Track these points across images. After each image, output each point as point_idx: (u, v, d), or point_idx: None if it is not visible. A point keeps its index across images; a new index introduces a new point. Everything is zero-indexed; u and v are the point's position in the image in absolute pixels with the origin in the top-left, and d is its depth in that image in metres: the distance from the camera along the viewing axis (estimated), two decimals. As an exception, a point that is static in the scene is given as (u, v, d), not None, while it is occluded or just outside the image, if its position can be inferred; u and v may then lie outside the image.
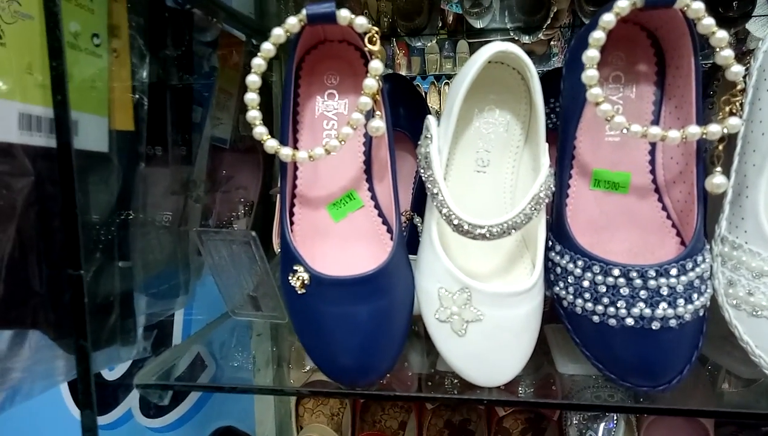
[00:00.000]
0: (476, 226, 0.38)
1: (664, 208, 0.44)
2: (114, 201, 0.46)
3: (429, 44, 1.33)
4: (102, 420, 1.02)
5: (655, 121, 0.44)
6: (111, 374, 0.99)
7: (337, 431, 0.86)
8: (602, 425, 0.78)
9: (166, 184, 0.55)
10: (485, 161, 0.46)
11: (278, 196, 0.45)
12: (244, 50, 0.69)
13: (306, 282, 0.43)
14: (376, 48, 0.39)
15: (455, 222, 0.39)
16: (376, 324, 0.43)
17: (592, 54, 0.37)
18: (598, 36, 0.37)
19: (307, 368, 0.84)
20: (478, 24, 1.03)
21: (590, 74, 0.37)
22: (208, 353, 0.99)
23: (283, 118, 0.44)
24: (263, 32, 0.72)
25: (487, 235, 0.38)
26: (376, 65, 0.39)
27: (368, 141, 0.47)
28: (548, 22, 0.93)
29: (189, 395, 0.99)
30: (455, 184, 0.47)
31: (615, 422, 0.78)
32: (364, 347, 0.43)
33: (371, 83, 0.39)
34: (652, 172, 0.45)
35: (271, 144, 0.41)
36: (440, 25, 1.07)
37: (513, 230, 0.39)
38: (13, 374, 0.39)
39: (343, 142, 0.40)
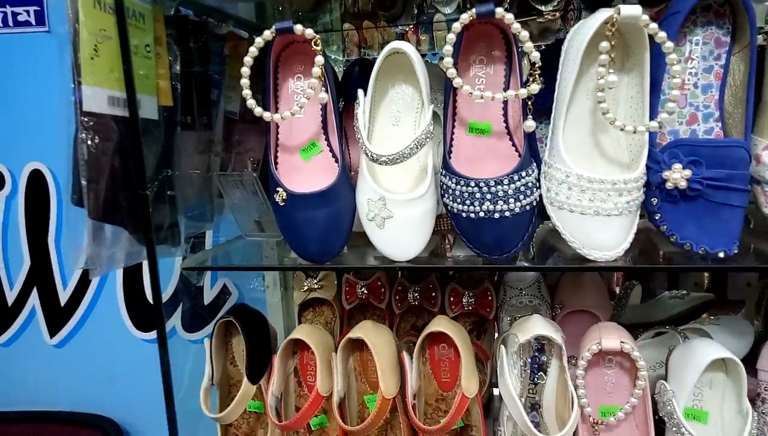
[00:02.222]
0: (380, 155, 0.63)
1: (513, 144, 0.69)
2: (162, 151, 0.73)
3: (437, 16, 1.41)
4: (149, 335, 1.32)
5: (506, 88, 0.68)
6: None
7: (331, 334, 1.12)
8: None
9: (194, 142, 0.81)
10: (397, 119, 0.71)
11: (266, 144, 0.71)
12: (247, 45, 0.94)
13: (284, 198, 0.69)
14: (318, 48, 0.64)
15: (369, 154, 0.64)
16: (329, 222, 0.69)
17: (447, 49, 0.61)
18: (450, 37, 0.60)
19: (305, 288, 1.12)
20: (446, 10, 1.23)
21: (450, 74, 0.61)
22: (231, 283, 1.28)
23: (265, 93, 0.70)
24: (262, 30, 0.97)
25: (388, 160, 0.63)
26: (319, 59, 0.64)
27: (323, 108, 0.72)
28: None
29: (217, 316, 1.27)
30: (379, 134, 0.72)
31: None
32: (323, 237, 0.69)
33: (316, 70, 0.64)
34: (505, 121, 0.69)
35: (258, 110, 0.66)
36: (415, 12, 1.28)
37: (404, 158, 0.63)
38: (113, 251, 0.66)
39: (302, 108, 0.65)
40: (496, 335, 1.03)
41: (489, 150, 0.70)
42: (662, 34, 0.57)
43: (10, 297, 1.25)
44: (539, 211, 0.67)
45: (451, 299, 1.02)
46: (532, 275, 1.00)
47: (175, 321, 1.21)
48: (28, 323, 1.26)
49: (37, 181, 1.19)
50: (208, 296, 1.23)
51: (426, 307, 1.02)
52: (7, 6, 1.12)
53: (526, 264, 0.73)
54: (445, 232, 0.80)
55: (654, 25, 0.57)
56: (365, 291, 1.04)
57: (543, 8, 1.11)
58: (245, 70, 0.65)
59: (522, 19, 1.19)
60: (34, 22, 1.13)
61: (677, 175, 0.61)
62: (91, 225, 0.66)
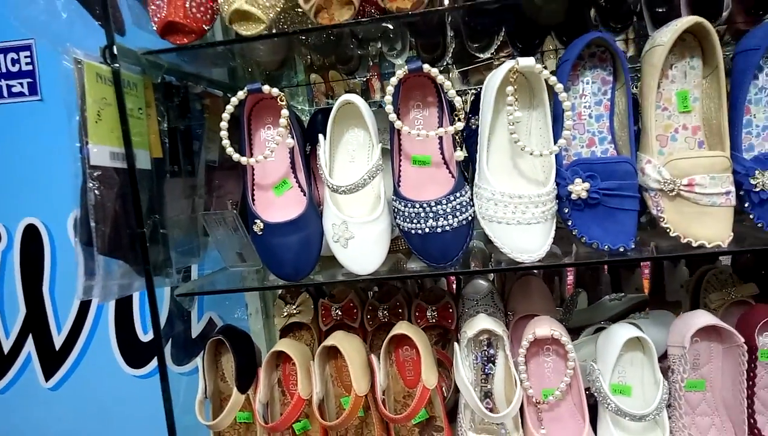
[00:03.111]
0: (340, 186, 0.77)
1: (450, 171, 0.83)
2: (154, 195, 0.85)
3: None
4: (141, 371, 1.41)
5: (439, 125, 0.84)
6: (146, 337, 1.39)
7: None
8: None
9: (181, 187, 0.94)
10: (353, 157, 0.86)
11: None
12: (222, 102, 1.09)
13: (261, 228, 0.82)
14: (283, 103, 0.78)
15: (330, 186, 0.78)
16: (301, 246, 0.82)
17: (387, 98, 0.76)
18: (389, 89, 0.75)
19: (285, 314, 1.23)
20: (398, 61, 1.39)
21: (391, 118, 0.76)
22: (217, 316, 1.39)
23: (241, 142, 0.83)
24: (234, 89, 1.12)
25: (346, 190, 0.77)
26: (284, 112, 0.78)
27: (291, 151, 0.86)
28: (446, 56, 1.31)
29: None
30: (339, 170, 0.86)
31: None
32: (296, 259, 0.82)
33: (282, 121, 0.78)
34: (441, 153, 0.84)
35: (236, 156, 0.80)
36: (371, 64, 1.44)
37: (359, 188, 0.77)
38: (114, 283, 0.78)
39: (272, 152, 0.79)
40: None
41: (430, 177, 0.84)
42: (553, 79, 0.73)
43: (7, 345, 1.33)
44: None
45: (417, 314, 1.14)
46: (486, 287, 1.13)
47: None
48: (24, 369, 1.34)
49: (31, 234, 1.30)
50: (196, 330, 1.33)
51: (394, 322, 1.14)
52: (2, 79, 1.25)
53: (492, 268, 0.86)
54: (401, 251, 0.94)
55: (546, 72, 0.73)
56: (339, 312, 1.15)
57: (481, 55, 1.28)
58: (224, 124, 0.79)
59: (464, 68, 1.37)
60: (27, 93, 1.26)
61: (579, 188, 0.76)
62: (85, 262, 0.77)
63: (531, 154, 0.75)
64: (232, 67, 1.13)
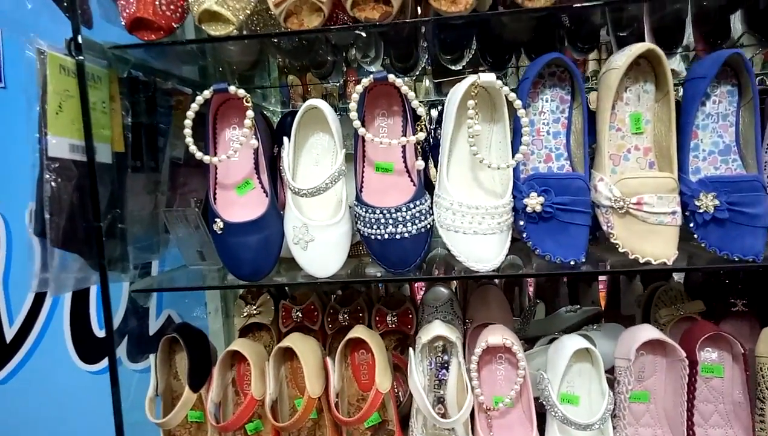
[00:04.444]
0: (302, 189, 0.78)
1: (411, 180, 0.85)
2: (114, 190, 0.85)
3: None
4: (96, 367, 1.39)
5: (403, 134, 0.85)
6: (101, 332, 1.37)
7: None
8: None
9: (143, 182, 0.93)
10: (317, 161, 0.87)
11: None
12: (190, 100, 1.09)
13: (222, 227, 0.82)
14: (249, 104, 0.79)
15: (292, 189, 0.79)
16: (260, 246, 0.82)
17: (352, 105, 0.77)
18: (354, 96, 0.77)
19: (245, 314, 1.22)
20: (372, 68, 1.40)
21: (355, 125, 0.78)
22: (176, 313, 1.37)
23: (206, 140, 0.84)
24: (204, 88, 1.12)
25: (308, 193, 0.78)
26: (250, 113, 0.78)
27: (255, 152, 0.87)
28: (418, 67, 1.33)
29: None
30: (303, 173, 0.87)
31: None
32: (255, 259, 0.82)
33: (248, 122, 0.79)
34: (404, 161, 0.85)
35: (198, 154, 0.80)
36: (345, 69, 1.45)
37: (321, 191, 0.78)
38: (69, 276, 0.77)
39: (236, 152, 0.79)
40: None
41: (392, 185, 0.86)
42: (512, 96, 0.75)
43: (-43, 336, 1.29)
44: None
45: (377, 319, 1.15)
46: (446, 294, 1.15)
47: (121, 352, 1.28)
48: (-27, 361, 1.30)
49: (-14, 224, 1.27)
50: (154, 327, 1.32)
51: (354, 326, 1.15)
52: (-36, 65, 1.23)
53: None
54: (362, 255, 0.95)
55: (506, 89, 0.76)
56: (300, 315, 1.16)
57: (453, 67, 1.30)
58: (188, 122, 0.79)
59: (439, 80, 1.39)
60: (-10, 79, 1.23)
61: (533, 202, 0.78)
62: (41, 254, 0.77)
63: (489, 167, 0.77)
64: (203, 66, 1.13)
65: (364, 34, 0.99)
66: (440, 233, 0.82)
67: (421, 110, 0.77)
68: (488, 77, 0.75)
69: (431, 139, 1.04)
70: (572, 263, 0.79)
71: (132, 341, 1.29)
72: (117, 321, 1.07)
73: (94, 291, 1.30)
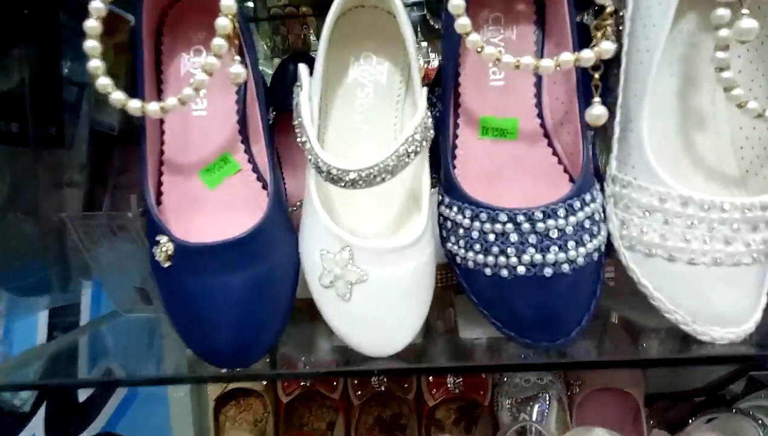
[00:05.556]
0: (345, 170, 0.35)
1: (555, 152, 0.42)
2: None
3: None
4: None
5: (539, 56, 0.42)
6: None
7: (262, 440, 0.80)
8: (536, 407, 0.76)
9: (27, 164, 0.49)
10: (366, 112, 0.43)
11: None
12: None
13: (170, 253, 0.38)
14: (226, -11, 0.36)
15: (324, 169, 0.35)
16: (252, 295, 0.39)
17: (456, 2, 0.34)
18: None
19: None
20: None
21: (462, 23, 0.35)
22: (120, 368, 0.91)
23: (137, 75, 0.40)
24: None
25: (359, 180, 0.35)
26: (226, 2, 0.35)
27: (242, 98, 0.44)
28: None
29: (99, 415, 0.91)
30: (336, 137, 0.43)
31: (548, 403, 0.76)
32: (240, 321, 0.39)
33: (223, 22, 0.35)
34: (540, 115, 0.43)
35: (116, 96, 0.36)
36: None
37: (387, 175, 0.35)
38: None
39: (197, 91, 0.36)
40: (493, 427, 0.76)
41: (514, 162, 0.43)
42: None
43: None
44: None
45: (431, 380, 0.75)
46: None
47: (36, 428, 0.85)
48: None
49: None
50: (85, 389, 0.88)
51: (396, 393, 0.74)
52: None
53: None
54: (448, 288, 0.52)
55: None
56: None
57: None
58: (92, 25, 0.35)
59: None
60: None
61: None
62: None
63: (759, 116, 0.35)
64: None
65: None
66: (626, 261, 0.40)
67: (607, -4, 0.35)
68: None
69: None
70: None
71: (53, 410, 0.85)
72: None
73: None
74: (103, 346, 0.83)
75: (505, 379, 0.78)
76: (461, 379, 0.75)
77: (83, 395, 0.87)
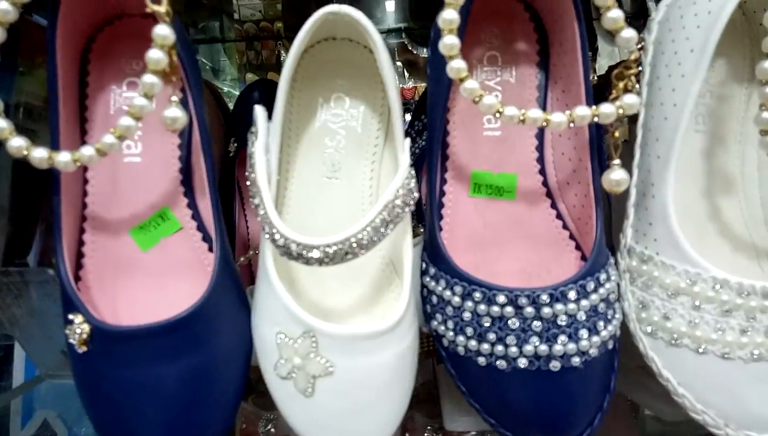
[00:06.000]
0: (308, 246, 0.27)
1: (559, 215, 0.36)
2: None
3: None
4: None
5: (542, 105, 0.36)
6: None
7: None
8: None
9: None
10: (337, 165, 0.36)
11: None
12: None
13: (87, 337, 0.31)
14: (162, 9, 0.28)
15: (280, 242, 0.28)
16: (190, 389, 0.31)
17: (447, 18, 0.27)
18: (449, 16, 0.27)
19: None
20: None
21: (456, 66, 0.28)
22: (58, 420, 0.82)
23: (51, 114, 0.32)
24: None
25: (324, 257, 0.28)
26: (161, 31, 0.28)
27: (186, 144, 0.36)
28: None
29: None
30: (299, 196, 0.36)
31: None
32: (174, 424, 0.31)
33: (155, 56, 0.28)
34: (542, 172, 0.36)
35: (16, 143, 0.28)
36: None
37: (360, 250, 0.28)
38: None
39: (121, 140, 0.28)
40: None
41: (512, 226, 0.36)
42: None
43: None
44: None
45: (408, 427, 0.68)
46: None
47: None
48: None
49: None
50: (19, 440, 0.78)
51: None
52: None
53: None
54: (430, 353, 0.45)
55: None
56: (274, 430, 0.66)
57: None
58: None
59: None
60: None
61: None
62: None
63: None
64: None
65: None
66: (646, 350, 0.33)
67: (629, 32, 0.28)
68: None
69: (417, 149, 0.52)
70: None
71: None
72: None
73: None
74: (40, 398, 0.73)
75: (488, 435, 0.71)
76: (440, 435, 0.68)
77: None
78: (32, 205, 0.54)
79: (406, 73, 0.90)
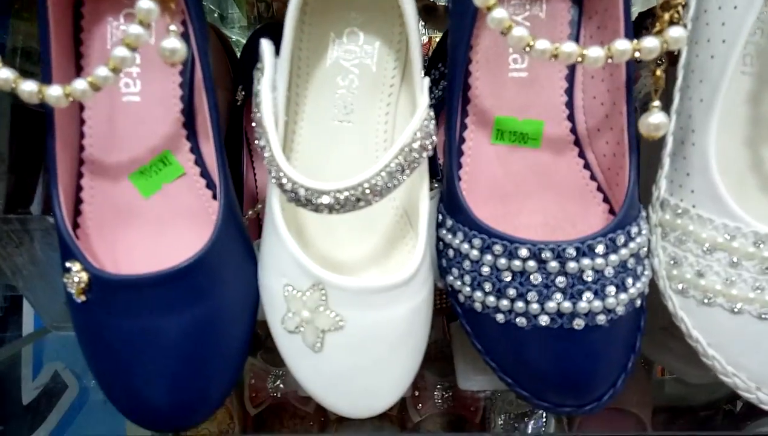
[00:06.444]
0: (318, 191, 0.25)
1: (587, 165, 0.33)
2: None
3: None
4: None
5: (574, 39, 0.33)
6: None
7: (226, 454, 0.72)
8: (531, 424, 0.69)
9: None
10: (349, 107, 0.34)
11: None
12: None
13: (85, 286, 0.29)
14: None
15: (288, 187, 0.26)
16: (194, 341, 0.30)
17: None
18: None
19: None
20: None
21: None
22: (68, 372, 0.83)
23: (41, 46, 0.30)
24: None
25: (334, 204, 0.26)
26: (156, -50, 0.25)
27: (188, 83, 0.34)
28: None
29: (47, 419, 0.83)
30: (308, 140, 0.33)
31: (545, 420, 0.69)
32: (178, 375, 0.30)
33: (150, -17, 0.25)
34: (571, 117, 0.33)
35: (3, 75, 0.26)
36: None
37: (374, 197, 0.26)
38: None
39: (116, 73, 0.26)
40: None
41: (536, 176, 0.34)
42: None
43: None
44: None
45: (416, 394, 0.68)
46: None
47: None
48: None
49: None
50: (29, 393, 0.79)
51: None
52: None
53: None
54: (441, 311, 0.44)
55: None
56: (282, 385, 0.67)
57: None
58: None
59: None
60: None
61: None
62: None
63: None
64: None
65: None
66: (675, 309, 0.31)
67: (679, -38, 0.25)
68: None
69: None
70: None
71: (-3, 415, 0.76)
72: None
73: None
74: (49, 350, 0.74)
75: (499, 394, 0.71)
76: (450, 393, 0.69)
77: (28, 397, 0.78)
78: (34, 153, 0.52)
79: (422, 23, 0.85)
